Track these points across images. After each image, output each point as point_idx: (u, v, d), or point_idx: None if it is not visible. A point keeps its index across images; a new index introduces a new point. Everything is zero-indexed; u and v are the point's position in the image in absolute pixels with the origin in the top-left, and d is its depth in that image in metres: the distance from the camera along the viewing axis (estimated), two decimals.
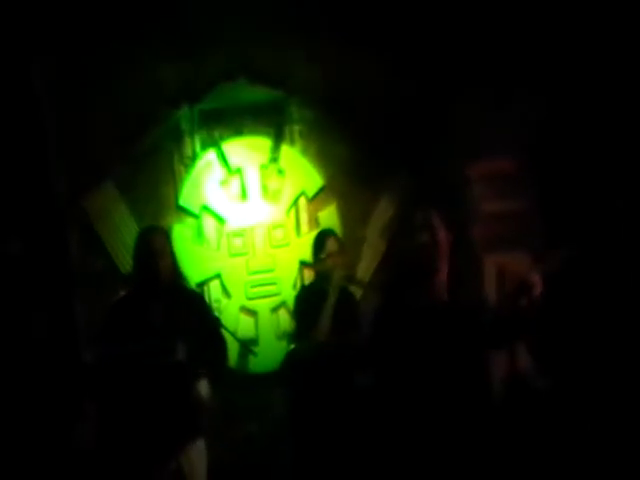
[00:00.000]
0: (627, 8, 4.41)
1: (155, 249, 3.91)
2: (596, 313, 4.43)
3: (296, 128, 5.53)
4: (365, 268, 5.46)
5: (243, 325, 5.32)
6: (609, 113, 4.61)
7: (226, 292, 5.34)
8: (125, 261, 4.99)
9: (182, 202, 5.32)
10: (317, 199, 5.51)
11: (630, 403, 3.76)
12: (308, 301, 4.68)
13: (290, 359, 4.73)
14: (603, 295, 4.48)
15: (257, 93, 5.42)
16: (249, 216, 5.40)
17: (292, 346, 4.70)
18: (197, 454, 3.95)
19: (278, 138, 5.48)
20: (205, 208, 5.35)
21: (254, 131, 5.49)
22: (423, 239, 3.45)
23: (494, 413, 3.70)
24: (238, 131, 5.48)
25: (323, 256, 4.67)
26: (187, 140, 5.39)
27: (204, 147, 5.42)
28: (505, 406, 3.96)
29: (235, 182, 5.43)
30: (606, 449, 3.54)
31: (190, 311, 4.01)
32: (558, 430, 3.54)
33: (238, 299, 5.34)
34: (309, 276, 5.22)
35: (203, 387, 3.92)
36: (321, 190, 5.51)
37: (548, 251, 3.56)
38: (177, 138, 5.38)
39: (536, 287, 3.32)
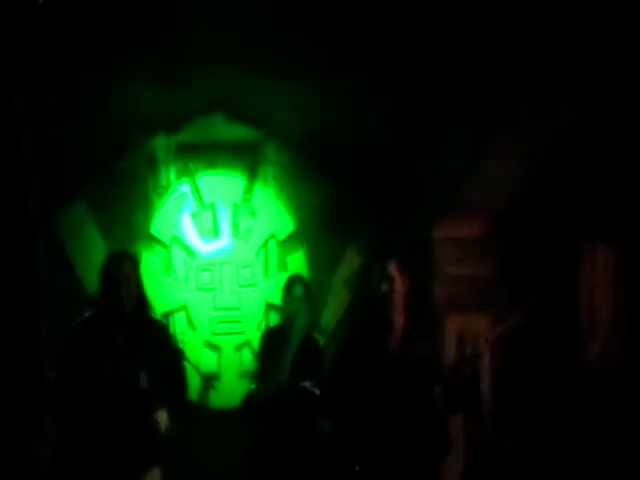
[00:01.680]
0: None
1: (122, 275, 3.87)
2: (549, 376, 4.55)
3: (270, 170, 5.55)
4: (329, 316, 5.46)
5: (206, 359, 5.30)
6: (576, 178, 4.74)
7: (191, 325, 5.32)
8: (92, 281, 4.92)
9: (153, 230, 5.32)
10: (287, 243, 5.52)
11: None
12: (271, 343, 4.66)
13: (251, 399, 4.70)
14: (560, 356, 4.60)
15: (234, 130, 5.45)
16: (219, 252, 5.40)
17: (253, 386, 4.67)
18: None
19: (252, 177, 5.51)
20: (176, 239, 5.35)
21: (228, 168, 5.52)
22: (381, 289, 3.53)
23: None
24: (213, 166, 5.50)
25: (289, 300, 4.70)
26: (162, 169, 5.40)
27: (179, 178, 5.44)
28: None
29: (207, 217, 5.45)
30: None
31: (154, 340, 3.96)
32: None
33: (203, 333, 5.32)
34: (274, 318, 5.23)
35: (162, 416, 3.88)
36: (291, 234, 5.53)
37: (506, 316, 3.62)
38: (152, 166, 5.40)
39: (483, 356, 3.40)
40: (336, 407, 3.67)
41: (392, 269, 3.58)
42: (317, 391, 4.41)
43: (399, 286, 3.55)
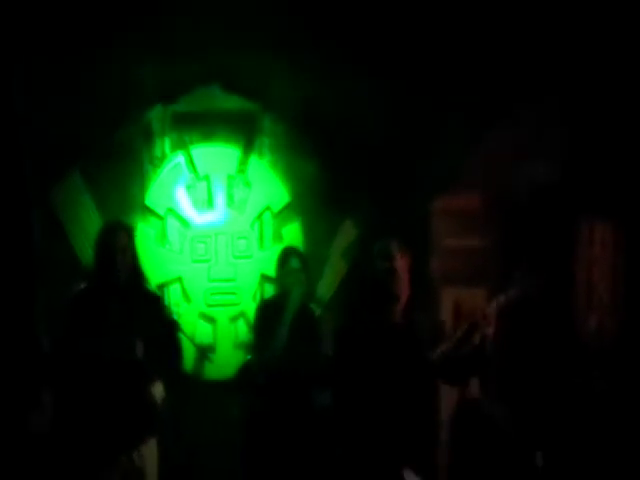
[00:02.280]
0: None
1: (117, 246, 3.88)
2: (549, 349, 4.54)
3: (266, 141, 5.52)
4: (325, 287, 5.46)
5: (201, 331, 5.28)
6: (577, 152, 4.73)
7: (186, 296, 5.30)
8: (86, 253, 4.90)
9: (148, 202, 5.29)
10: (282, 214, 5.50)
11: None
12: (267, 314, 4.68)
13: (246, 370, 4.71)
14: (556, 330, 4.60)
15: (231, 101, 5.42)
16: (213, 223, 5.37)
17: (249, 357, 4.68)
18: (149, 452, 3.90)
19: (247, 149, 5.47)
20: (170, 210, 5.32)
21: (224, 139, 5.48)
22: (383, 267, 3.59)
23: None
24: (208, 137, 5.46)
25: (285, 272, 4.69)
26: (157, 140, 5.36)
27: (174, 149, 5.39)
28: (456, 430, 4.00)
29: (202, 188, 5.41)
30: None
31: (148, 311, 3.99)
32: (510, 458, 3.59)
33: (197, 305, 5.30)
34: (270, 290, 5.20)
35: (157, 388, 3.88)
36: (287, 205, 5.50)
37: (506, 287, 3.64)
38: (147, 137, 5.35)
39: (489, 324, 3.40)
40: (336, 380, 3.70)
41: (393, 248, 3.61)
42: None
43: (400, 263, 3.61)
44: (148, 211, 5.29)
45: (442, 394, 4.25)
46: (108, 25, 4.92)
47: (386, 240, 3.70)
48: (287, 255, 4.76)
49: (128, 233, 4.05)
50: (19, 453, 3.71)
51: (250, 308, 5.13)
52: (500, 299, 3.50)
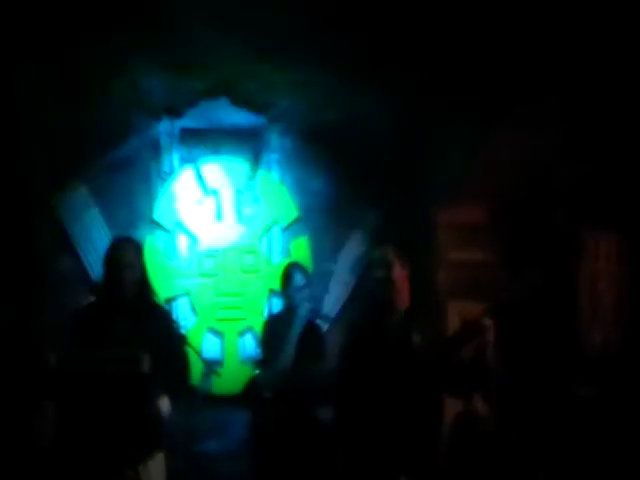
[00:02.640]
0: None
1: (125, 262, 3.85)
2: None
3: (274, 156, 5.57)
4: (332, 302, 5.48)
5: (209, 345, 5.32)
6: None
7: (194, 311, 5.34)
8: (95, 266, 4.96)
9: (156, 216, 5.33)
10: (290, 229, 5.53)
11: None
12: (274, 330, 4.68)
13: (253, 385, 4.72)
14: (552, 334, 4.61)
15: (238, 116, 5.41)
16: (222, 238, 5.41)
17: (256, 372, 4.69)
18: (155, 467, 3.87)
19: (255, 164, 5.51)
20: (179, 225, 5.37)
21: (232, 154, 5.52)
22: (378, 276, 3.57)
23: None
24: (216, 152, 5.52)
25: (291, 290, 4.69)
26: (165, 155, 5.41)
27: (182, 164, 5.45)
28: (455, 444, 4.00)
29: (210, 203, 5.46)
30: None
31: (156, 326, 3.96)
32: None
33: (205, 319, 5.34)
34: (277, 304, 5.21)
35: (163, 402, 3.89)
36: (295, 220, 5.54)
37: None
38: (156, 151, 5.41)
39: (488, 331, 3.40)
40: (338, 393, 3.71)
41: (390, 256, 3.61)
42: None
43: (399, 272, 3.59)
44: (156, 225, 5.34)
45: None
46: (116, 38, 4.95)
47: (383, 248, 3.68)
48: (291, 271, 4.74)
49: (136, 248, 4.02)
50: (23, 466, 3.71)
51: (258, 323, 5.13)
52: (495, 306, 3.50)
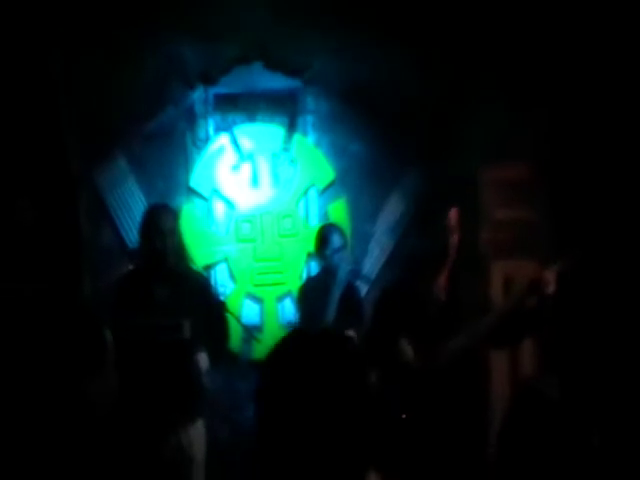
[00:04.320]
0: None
1: (163, 229, 3.88)
2: (606, 316, 4.45)
3: (310, 119, 5.51)
4: (371, 264, 5.43)
5: (248, 311, 5.30)
6: (621, 121, 4.60)
7: (232, 277, 5.32)
8: (132, 236, 4.98)
9: (193, 184, 5.31)
10: (327, 191, 5.48)
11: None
12: (313, 294, 4.67)
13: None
14: (613, 298, 4.50)
15: (273, 80, 5.39)
16: (259, 203, 5.38)
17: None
18: (196, 433, 3.92)
19: (291, 128, 5.46)
20: (215, 192, 5.34)
21: (267, 119, 5.47)
22: (452, 239, 3.51)
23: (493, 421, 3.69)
24: (251, 118, 5.46)
25: (329, 252, 4.66)
26: (201, 122, 5.38)
27: (217, 131, 5.42)
28: (514, 414, 3.91)
29: (246, 168, 5.42)
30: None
31: (195, 292, 3.98)
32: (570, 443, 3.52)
33: (244, 285, 5.32)
34: (316, 268, 5.16)
35: (202, 358, 3.87)
36: (332, 183, 5.48)
37: (560, 254, 3.55)
38: (191, 120, 5.37)
39: (549, 284, 3.33)
40: (380, 355, 3.66)
41: (454, 219, 3.54)
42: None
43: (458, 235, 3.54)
44: (193, 193, 5.32)
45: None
46: (149, 5, 4.96)
47: (449, 210, 3.57)
48: (328, 233, 4.72)
49: (173, 215, 4.05)
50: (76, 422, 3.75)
51: (297, 287, 5.10)
52: (559, 264, 3.40)
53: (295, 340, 4.15)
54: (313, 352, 3.86)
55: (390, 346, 3.56)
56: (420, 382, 3.47)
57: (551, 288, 3.34)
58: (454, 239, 3.53)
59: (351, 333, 4.46)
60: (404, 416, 3.46)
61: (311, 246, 5.10)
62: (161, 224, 3.89)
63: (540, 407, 3.48)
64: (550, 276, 3.35)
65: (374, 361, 3.73)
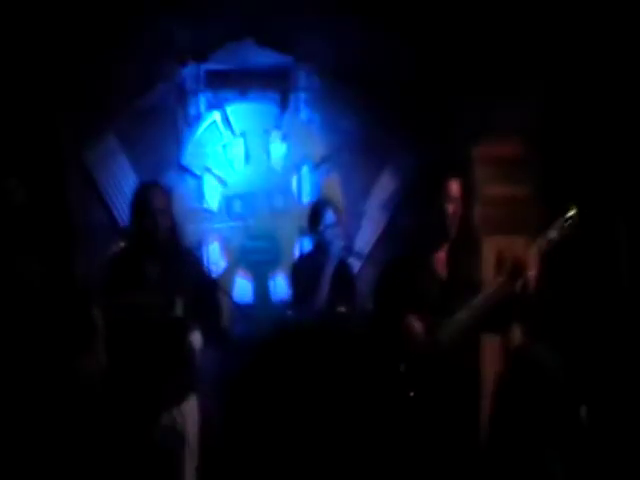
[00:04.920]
0: None
1: (154, 207, 3.82)
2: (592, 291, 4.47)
3: (302, 96, 5.49)
4: (364, 241, 5.42)
5: (240, 288, 5.31)
6: (615, 99, 4.60)
7: (224, 254, 5.32)
8: (124, 213, 4.95)
9: (184, 161, 5.30)
10: (320, 169, 5.47)
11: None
12: (305, 270, 4.63)
13: (286, 327, 4.70)
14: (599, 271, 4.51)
15: (264, 57, 5.38)
16: (250, 180, 5.38)
17: (289, 313, 4.66)
18: (190, 411, 3.89)
19: (283, 105, 5.45)
20: (207, 169, 5.34)
21: (259, 96, 5.46)
22: (448, 210, 3.49)
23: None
24: (243, 95, 5.44)
25: (321, 227, 4.64)
26: (192, 100, 5.37)
27: (209, 108, 5.40)
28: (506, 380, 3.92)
29: (238, 145, 5.41)
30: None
31: (187, 270, 3.94)
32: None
33: (236, 263, 5.32)
34: (308, 245, 5.12)
35: (195, 337, 3.87)
36: (324, 160, 5.47)
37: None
38: (182, 97, 5.36)
39: (530, 267, 3.32)
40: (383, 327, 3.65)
41: (456, 189, 3.51)
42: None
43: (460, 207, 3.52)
44: (184, 170, 5.31)
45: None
46: None
47: (451, 181, 3.55)
48: (321, 208, 4.69)
49: (164, 194, 3.99)
50: (66, 398, 3.75)
51: (289, 265, 5.05)
52: (541, 242, 3.39)
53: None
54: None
55: (397, 323, 3.54)
56: (428, 359, 3.46)
57: (533, 272, 3.34)
58: (454, 213, 3.52)
59: (342, 309, 4.51)
60: (412, 394, 3.48)
61: (303, 223, 5.06)
62: (152, 203, 3.83)
63: (530, 374, 3.47)
64: (531, 258, 3.34)
65: (382, 339, 3.71)
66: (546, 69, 4.86)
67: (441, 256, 3.58)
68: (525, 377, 3.37)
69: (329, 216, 4.63)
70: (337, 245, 4.58)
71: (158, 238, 3.84)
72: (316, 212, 4.68)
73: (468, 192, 4.24)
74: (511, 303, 3.42)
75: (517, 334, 4.67)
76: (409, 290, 3.54)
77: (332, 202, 4.84)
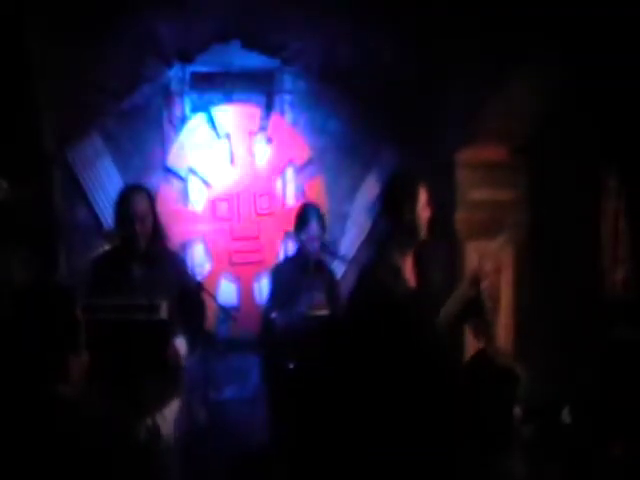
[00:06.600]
0: None
1: (136, 212, 3.81)
2: None
3: (287, 98, 5.50)
4: (349, 243, 5.47)
5: (225, 290, 5.31)
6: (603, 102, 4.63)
7: (209, 256, 5.32)
8: (108, 214, 4.91)
9: (169, 163, 5.28)
10: (304, 171, 5.49)
11: None
12: (286, 274, 4.67)
13: (270, 329, 4.71)
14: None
15: (250, 59, 5.37)
16: (235, 182, 5.36)
17: (273, 315, 4.67)
18: (172, 414, 3.90)
19: (268, 107, 5.45)
20: (192, 171, 5.31)
21: (244, 98, 5.45)
22: (414, 215, 3.43)
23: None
24: (228, 97, 5.43)
25: (304, 237, 4.63)
26: (177, 101, 5.34)
27: (194, 110, 5.38)
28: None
29: (223, 147, 5.39)
30: None
31: (172, 272, 3.95)
32: None
33: (221, 264, 5.32)
34: (293, 247, 5.15)
35: (180, 342, 3.86)
36: (309, 162, 5.49)
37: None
38: (167, 98, 5.33)
39: (485, 277, 3.34)
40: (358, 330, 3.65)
41: (423, 195, 3.49)
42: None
43: (428, 212, 3.49)
44: (169, 172, 5.29)
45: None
46: None
47: (418, 186, 3.45)
48: (308, 218, 4.65)
49: (148, 197, 3.98)
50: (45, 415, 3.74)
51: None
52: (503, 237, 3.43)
53: None
54: None
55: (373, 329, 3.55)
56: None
57: (486, 281, 3.34)
58: (423, 218, 3.47)
59: (324, 312, 4.52)
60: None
61: (288, 225, 5.12)
62: (135, 208, 3.82)
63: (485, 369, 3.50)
64: (486, 268, 3.36)
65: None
66: (533, 70, 4.88)
67: (409, 261, 3.54)
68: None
69: (314, 227, 4.62)
70: (320, 248, 4.64)
71: (140, 242, 3.84)
72: (303, 219, 4.67)
73: (447, 197, 4.28)
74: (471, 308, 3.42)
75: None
76: (381, 295, 3.54)
77: (317, 213, 4.74)
